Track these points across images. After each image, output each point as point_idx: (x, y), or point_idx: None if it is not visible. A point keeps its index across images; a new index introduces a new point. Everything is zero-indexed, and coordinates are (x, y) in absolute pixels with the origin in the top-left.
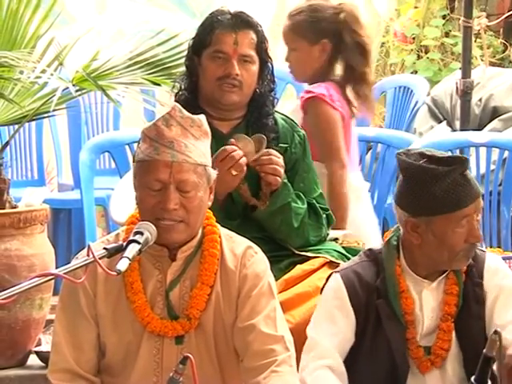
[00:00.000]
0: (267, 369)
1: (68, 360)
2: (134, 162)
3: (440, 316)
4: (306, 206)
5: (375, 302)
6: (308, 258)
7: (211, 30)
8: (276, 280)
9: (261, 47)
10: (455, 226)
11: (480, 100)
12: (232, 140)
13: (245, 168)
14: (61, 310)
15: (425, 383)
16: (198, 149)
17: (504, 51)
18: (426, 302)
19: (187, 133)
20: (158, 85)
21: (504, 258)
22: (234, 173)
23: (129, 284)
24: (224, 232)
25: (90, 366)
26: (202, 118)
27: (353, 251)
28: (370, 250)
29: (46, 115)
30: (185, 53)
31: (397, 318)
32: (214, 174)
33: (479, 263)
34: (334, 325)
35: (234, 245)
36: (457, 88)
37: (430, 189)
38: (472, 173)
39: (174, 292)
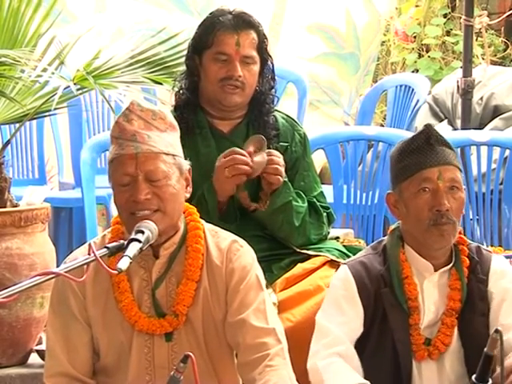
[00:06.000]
0: (261, 363)
1: (63, 363)
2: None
3: (444, 311)
4: (306, 204)
5: (381, 291)
6: (309, 257)
7: (212, 31)
8: (277, 278)
9: (262, 46)
10: (417, 190)
11: (481, 99)
12: (250, 150)
13: (243, 177)
14: (52, 314)
15: (421, 374)
16: (163, 139)
17: (505, 50)
18: (428, 295)
19: (151, 126)
20: (160, 83)
21: (506, 257)
22: (227, 173)
23: (115, 284)
24: (208, 227)
25: (86, 368)
26: (165, 109)
27: (354, 250)
28: (377, 242)
29: (47, 114)
30: (185, 52)
31: (400, 305)
32: (185, 164)
33: (485, 262)
34: (342, 315)
35: (219, 240)
36: (458, 87)
37: (398, 158)
38: (473, 172)
39: (161, 290)
